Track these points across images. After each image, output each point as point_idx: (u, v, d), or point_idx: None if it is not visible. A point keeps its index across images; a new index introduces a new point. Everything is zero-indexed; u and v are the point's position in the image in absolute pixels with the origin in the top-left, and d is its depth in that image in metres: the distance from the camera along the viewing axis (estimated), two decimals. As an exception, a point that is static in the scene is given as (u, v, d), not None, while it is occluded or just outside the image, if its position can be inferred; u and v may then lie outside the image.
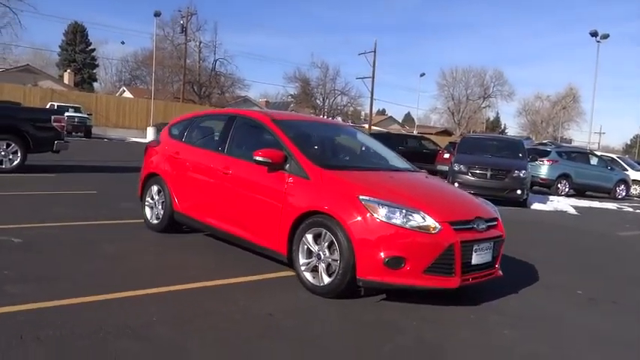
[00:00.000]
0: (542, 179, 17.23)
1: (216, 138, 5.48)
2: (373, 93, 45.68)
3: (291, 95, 54.75)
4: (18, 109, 12.12)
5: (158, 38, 43.83)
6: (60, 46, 56.17)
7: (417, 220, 3.91)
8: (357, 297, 4.13)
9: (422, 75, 51.08)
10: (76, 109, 29.48)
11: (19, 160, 10.44)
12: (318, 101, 53.67)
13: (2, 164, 10.30)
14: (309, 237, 4.20)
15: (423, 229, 3.89)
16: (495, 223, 4.45)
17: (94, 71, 58.99)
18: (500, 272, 4.52)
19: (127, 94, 49.04)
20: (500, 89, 66.94)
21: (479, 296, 4.50)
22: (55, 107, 27.32)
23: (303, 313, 3.79)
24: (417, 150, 23.30)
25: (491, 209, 4.61)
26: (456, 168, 12.84)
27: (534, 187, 17.74)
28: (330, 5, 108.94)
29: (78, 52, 55.02)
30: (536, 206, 12.95)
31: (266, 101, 59.19)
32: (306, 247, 4.24)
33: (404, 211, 3.93)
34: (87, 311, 3.43)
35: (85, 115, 29.13)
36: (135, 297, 3.78)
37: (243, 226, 4.86)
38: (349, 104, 55.41)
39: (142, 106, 36.42)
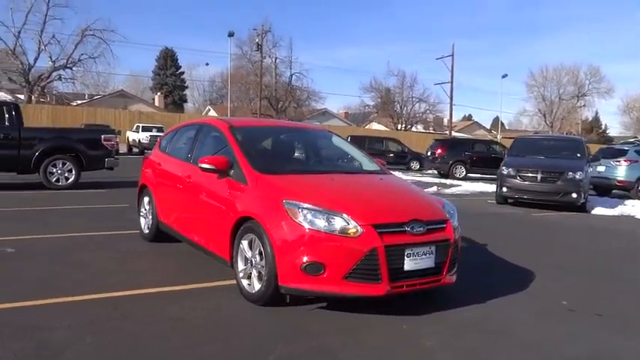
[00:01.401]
0: (619, 182, 15.72)
1: (186, 147, 5.60)
2: (452, 98, 44.28)
3: (368, 105, 54.57)
4: (71, 130, 13.19)
5: (237, 57, 45.84)
6: (153, 71, 60.40)
7: (338, 223, 3.74)
8: (296, 304, 3.99)
9: (504, 76, 48.95)
10: (159, 129, 31.47)
11: (73, 177, 11.33)
12: (396, 110, 53.01)
13: (59, 182, 11.23)
14: (245, 243, 4.16)
15: (343, 233, 3.71)
16: (441, 225, 4.13)
17: (184, 93, 62.63)
18: (451, 279, 4.18)
19: (212, 113, 51.53)
20: (597, 86, 62.37)
21: (430, 305, 4.19)
22: (140, 128, 29.48)
23: (215, 319, 3.75)
24: (485, 154, 22.32)
25: (440, 211, 4.28)
26: (504, 172, 12.09)
27: (613, 191, 16.29)
28: (408, 11, 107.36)
29: (168, 76, 58.77)
30: (598, 211, 11.84)
31: (345, 112, 59.56)
32: (243, 253, 4.19)
33: (325, 214, 3.77)
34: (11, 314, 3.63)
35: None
36: (66, 302, 3.95)
37: (198, 232, 4.92)
38: (428, 111, 54.17)
39: (221, 123, 38.00)
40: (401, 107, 53.30)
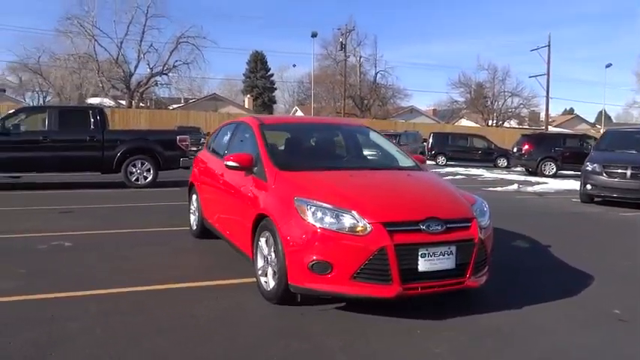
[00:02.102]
0: None
1: (224, 146, 5.69)
2: (549, 91, 41.77)
3: (456, 102, 52.79)
4: (149, 132, 13.96)
5: (322, 57, 46.29)
6: (243, 74, 62.60)
7: (347, 221, 3.59)
8: (312, 304, 3.90)
9: (608, 66, 45.10)
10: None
11: (151, 176, 12.01)
12: (486, 105, 50.82)
13: (138, 180, 11.96)
14: (262, 240, 4.13)
15: (352, 231, 3.56)
16: (464, 224, 3.83)
17: (273, 94, 64.31)
18: (476, 282, 3.86)
19: (299, 113, 52.48)
20: None
21: (456, 309, 3.91)
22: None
23: (227, 316, 3.75)
24: (578, 150, 20.76)
25: (465, 209, 3.97)
26: (589, 168, 11.11)
27: None
28: (499, 2, 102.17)
29: (258, 79, 60.62)
30: (701, 211, 10.53)
31: (433, 109, 58.11)
32: (261, 251, 4.17)
33: (334, 211, 3.64)
34: (38, 304, 3.88)
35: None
36: (93, 295, 4.16)
37: (229, 229, 4.98)
38: (522, 105, 51.35)
39: (306, 123, 38.58)
40: (492, 102, 51.02)
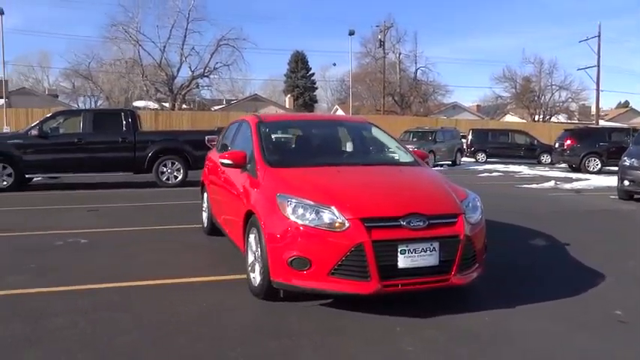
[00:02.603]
0: None
1: (228, 144, 5.76)
2: (599, 84, 40.01)
3: (500, 97, 51.36)
4: (179, 132, 14.28)
5: (361, 55, 46.08)
6: (285, 75, 63.04)
7: (326, 216, 3.57)
8: (298, 300, 3.89)
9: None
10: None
11: (181, 176, 12.31)
12: (532, 100, 49.23)
13: (169, 180, 12.28)
14: (252, 237, 4.16)
15: (330, 227, 3.53)
16: (450, 220, 3.73)
17: (314, 94, 64.48)
18: (462, 279, 3.75)
19: (340, 112, 52.41)
20: None
21: (444, 308, 3.82)
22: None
23: (208, 312, 3.79)
24: (625, 145, 19.76)
25: (452, 204, 3.86)
26: (626, 163, 10.59)
27: None
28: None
29: (299, 78, 60.89)
30: None
31: (477, 105, 56.82)
32: (250, 247, 4.20)
33: (314, 207, 3.62)
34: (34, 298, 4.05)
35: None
36: (90, 289, 4.30)
37: (227, 225, 5.04)
38: (570, 99, 49.44)
39: (345, 121, 38.49)
40: (538, 97, 49.38)
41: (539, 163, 25.27)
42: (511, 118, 50.98)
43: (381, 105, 42.59)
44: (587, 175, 17.65)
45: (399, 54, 45.47)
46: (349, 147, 5.27)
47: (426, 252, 3.57)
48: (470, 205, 4.00)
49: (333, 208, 3.59)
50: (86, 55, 41.65)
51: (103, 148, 11.89)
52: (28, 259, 5.20)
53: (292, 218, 3.63)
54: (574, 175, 17.52)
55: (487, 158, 25.61)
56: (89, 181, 12.82)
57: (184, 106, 40.16)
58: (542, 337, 3.39)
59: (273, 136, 5.03)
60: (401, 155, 5.03)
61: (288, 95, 55.52)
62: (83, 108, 15.71)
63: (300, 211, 3.64)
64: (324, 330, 3.45)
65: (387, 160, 5.00)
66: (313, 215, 3.60)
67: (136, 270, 4.89)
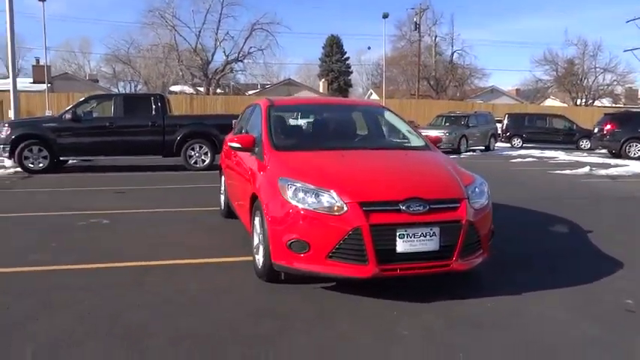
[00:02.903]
0: None
1: (242, 128, 5.80)
2: (645, 66, 38.30)
3: (540, 80, 49.72)
4: (206, 116, 14.45)
5: (397, 38, 45.40)
6: (319, 59, 62.81)
7: (325, 200, 3.57)
8: (301, 282, 3.93)
9: None
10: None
11: (209, 159, 12.49)
12: (575, 83, 47.51)
13: (197, 163, 12.50)
14: (257, 220, 4.20)
15: (329, 211, 3.54)
16: (452, 205, 3.67)
17: (349, 78, 64.06)
18: (464, 264, 3.69)
19: (374, 96, 51.95)
20: None
21: (448, 293, 3.79)
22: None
23: (215, 294, 3.86)
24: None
25: (455, 189, 3.79)
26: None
27: None
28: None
29: (334, 62, 60.55)
30: None
31: (517, 89, 55.30)
32: (256, 229, 4.25)
33: (314, 191, 3.63)
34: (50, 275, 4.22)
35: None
36: (101, 267, 4.45)
37: (240, 209, 5.10)
38: (615, 82, 47.47)
39: (378, 105, 38.11)
40: (581, 80, 47.62)
41: (578, 148, 24.47)
42: (552, 103, 49.43)
43: (416, 89, 41.94)
44: (627, 161, 17.00)
45: (435, 37, 44.66)
46: (359, 131, 5.23)
47: (425, 237, 3.53)
48: (476, 190, 3.93)
49: (332, 191, 3.59)
50: (125, 40, 42.64)
51: (133, 131, 12.16)
52: (51, 239, 5.41)
53: (292, 202, 3.65)
54: (612, 161, 16.91)
55: (523, 144, 24.96)
56: (121, 164, 13.17)
57: (219, 90, 40.57)
58: (543, 325, 3.32)
59: (283, 120, 5.05)
60: (412, 139, 4.97)
61: (322, 80, 55.30)
62: (115, 92, 15.96)
63: (300, 194, 3.65)
64: (322, 312, 3.48)
65: (396, 144, 4.95)
66: (313, 199, 3.61)
67: (150, 250, 5.01)
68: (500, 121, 26.37)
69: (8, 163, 12.13)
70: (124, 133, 12.07)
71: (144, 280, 4.14)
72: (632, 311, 3.59)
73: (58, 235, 5.60)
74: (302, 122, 5.24)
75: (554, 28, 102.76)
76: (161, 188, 9.46)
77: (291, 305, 3.60)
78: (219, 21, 38.80)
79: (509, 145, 25.02)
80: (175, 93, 39.59)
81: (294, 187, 3.69)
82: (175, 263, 4.60)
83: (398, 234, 3.48)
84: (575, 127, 25.54)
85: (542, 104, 47.94)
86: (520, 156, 19.04)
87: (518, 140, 25.14)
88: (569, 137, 25.16)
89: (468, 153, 20.06)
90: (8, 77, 16.67)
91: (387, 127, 5.33)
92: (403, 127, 5.20)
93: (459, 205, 3.69)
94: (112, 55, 45.08)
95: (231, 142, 4.73)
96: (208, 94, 37.79)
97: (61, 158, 12.25)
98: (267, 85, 48.38)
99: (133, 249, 5.06)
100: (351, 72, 63.62)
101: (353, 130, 5.28)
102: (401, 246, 3.49)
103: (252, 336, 3.11)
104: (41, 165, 11.75)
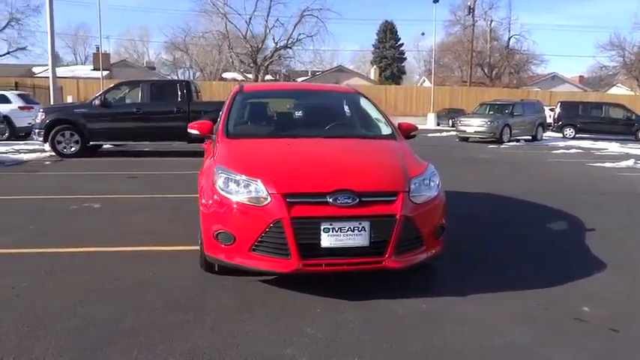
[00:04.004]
0: None
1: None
2: None
3: (605, 67, 46.67)
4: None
5: (451, 23, 44.00)
6: (373, 45, 61.98)
7: (252, 190, 3.44)
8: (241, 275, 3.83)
9: None
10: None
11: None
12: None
13: (221, 150, 12.59)
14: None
15: (254, 202, 3.41)
16: (387, 198, 3.44)
17: (403, 65, 62.86)
18: (399, 263, 3.44)
19: (426, 83, 50.78)
20: None
21: (390, 291, 3.59)
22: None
23: (149, 281, 3.83)
24: None
25: (393, 181, 3.55)
26: None
27: None
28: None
29: (387, 49, 59.56)
30: None
31: (580, 77, 52.43)
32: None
33: (243, 181, 3.51)
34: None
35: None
36: (61, 252, 4.53)
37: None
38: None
39: (428, 93, 37.26)
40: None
41: (637, 139, 22.90)
42: (618, 91, 46.49)
43: (468, 76, 40.58)
44: (683, 154, 15.72)
45: (491, 21, 42.92)
46: (323, 118, 5.00)
47: (354, 232, 3.33)
48: (423, 182, 3.68)
49: (259, 181, 3.45)
50: (182, 28, 43.69)
51: (159, 117, 12.41)
52: (33, 222, 5.57)
53: (221, 192, 3.54)
54: (666, 154, 15.69)
55: (576, 133, 23.59)
56: (150, 149, 13.49)
57: (268, 77, 40.87)
58: (468, 330, 3.07)
59: (247, 106, 4.93)
60: (378, 128, 4.72)
61: (374, 66, 54.57)
62: (144, 79, 16.34)
63: (230, 184, 3.53)
64: (240, 306, 3.37)
65: (355, 132, 4.71)
66: (240, 189, 3.48)
67: (121, 236, 5.05)
68: (552, 110, 25.09)
69: (46, 147, 12.69)
70: (150, 119, 12.34)
71: (93, 265, 4.14)
72: (582, 320, 3.26)
73: (42, 218, 5.78)
74: (268, 109, 5.10)
75: (622, 11, 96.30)
76: (175, 174, 9.60)
77: (211, 298, 3.50)
78: (270, 7, 39.01)
79: (560, 135, 23.75)
80: (226, 80, 40.25)
81: (224, 177, 3.58)
82: (133, 250, 4.60)
83: (322, 227, 3.30)
84: (634, 116, 23.86)
85: (606, 92, 45.17)
86: (566, 147, 18.00)
87: (571, 130, 23.80)
88: (627, 128, 23.57)
89: (511, 143, 19.18)
90: (71, 65, 17.56)
91: (357, 115, 5.08)
92: (374, 115, 4.95)
93: (395, 198, 3.46)
94: (170, 42, 46.41)
95: (191, 129, 4.67)
96: (257, 80, 38.13)
97: (91, 143, 12.68)
98: (318, 72, 48.29)
99: (103, 234, 5.12)
100: (405, 59, 62.42)
101: (316, 118, 5.07)
102: (326, 240, 3.31)
103: (154, 327, 3.04)
104: (73, 149, 12.22)
